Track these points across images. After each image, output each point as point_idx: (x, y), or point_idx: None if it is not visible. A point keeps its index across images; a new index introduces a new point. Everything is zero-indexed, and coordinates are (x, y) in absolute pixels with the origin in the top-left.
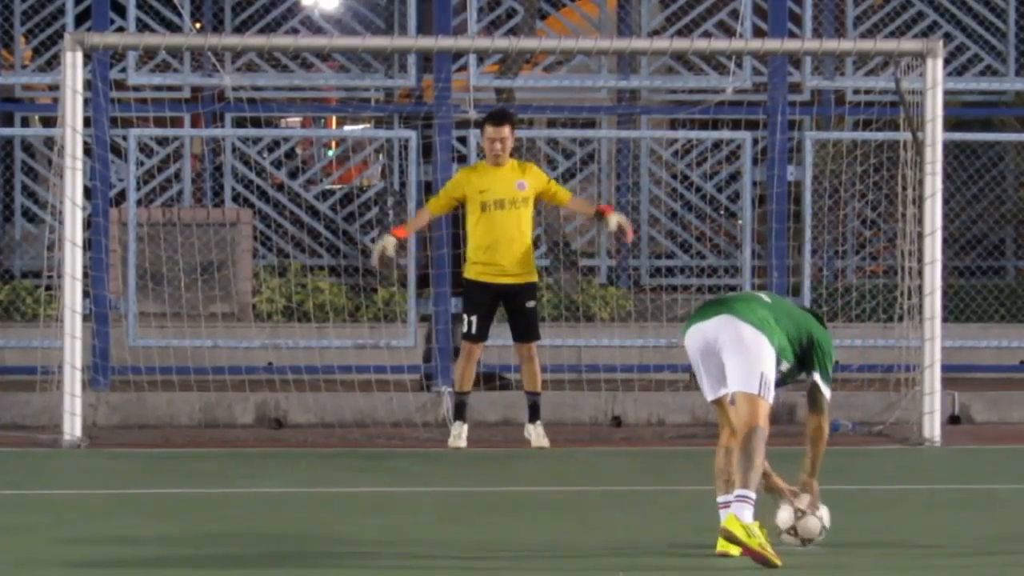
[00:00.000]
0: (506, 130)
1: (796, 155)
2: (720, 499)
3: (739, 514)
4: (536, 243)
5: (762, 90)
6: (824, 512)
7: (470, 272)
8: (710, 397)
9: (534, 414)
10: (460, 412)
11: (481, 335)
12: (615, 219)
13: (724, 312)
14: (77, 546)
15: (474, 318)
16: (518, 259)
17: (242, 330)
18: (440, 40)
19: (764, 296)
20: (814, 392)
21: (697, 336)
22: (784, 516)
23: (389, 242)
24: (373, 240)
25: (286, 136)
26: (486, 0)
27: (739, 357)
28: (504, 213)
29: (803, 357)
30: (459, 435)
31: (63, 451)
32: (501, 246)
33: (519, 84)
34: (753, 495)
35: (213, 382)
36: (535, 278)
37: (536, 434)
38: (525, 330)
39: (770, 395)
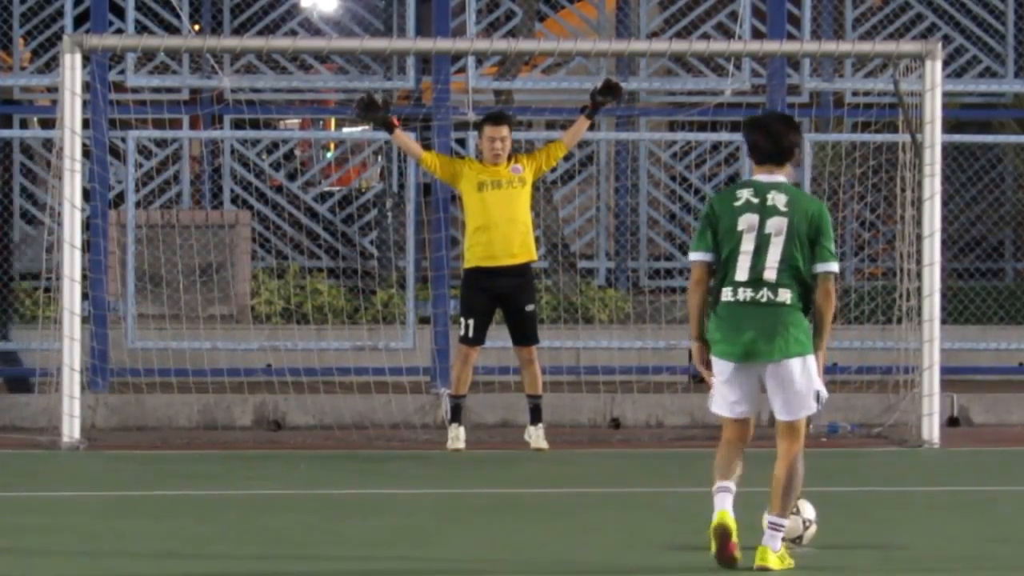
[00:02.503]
0: (504, 130)
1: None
2: (720, 484)
3: (772, 545)
4: (536, 244)
5: (761, 92)
6: (807, 508)
7: (469, 259)
8: (732, 414)
9: (535, 417)
10: (456, 415)
11: (478, 339)
12: (599, 87)
13: (764, 357)
14: (75, 548)
15: (471, 321)
16: (516, 239)
17: (241, 332)
18: (439, 42)
19: (770, 273)
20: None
21: (734, 366)
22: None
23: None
24: (372, 242)
25: (285, 138)
26: (485, 2)
27: (794, 393)
28: (501, 192)
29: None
30: (456, 437)
31: (62, 453)
32: (500, 226)
33: (518, 86)
34: (786, 523)
35: (212, 384)
36: (534, 257)
37: (535, 436)
38: (524, 334)
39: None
